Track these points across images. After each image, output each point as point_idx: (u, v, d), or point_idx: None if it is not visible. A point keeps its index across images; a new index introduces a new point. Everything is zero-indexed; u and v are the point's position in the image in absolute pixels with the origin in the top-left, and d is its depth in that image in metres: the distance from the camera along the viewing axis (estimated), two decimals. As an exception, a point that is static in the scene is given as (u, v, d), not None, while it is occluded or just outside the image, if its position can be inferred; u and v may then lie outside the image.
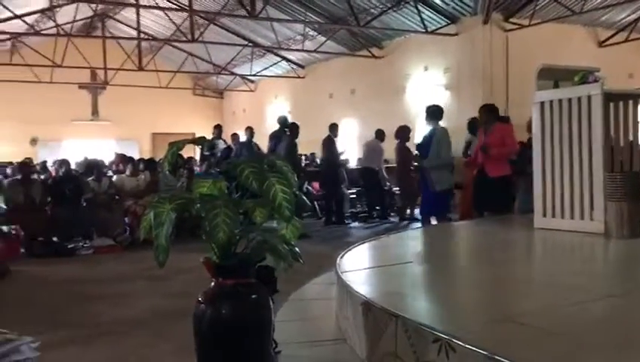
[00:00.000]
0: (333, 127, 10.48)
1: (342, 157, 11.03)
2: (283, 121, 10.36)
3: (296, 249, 2.67)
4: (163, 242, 2.25)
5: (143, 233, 2.58)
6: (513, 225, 5.37)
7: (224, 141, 11.37)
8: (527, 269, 3.30)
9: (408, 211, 10.43)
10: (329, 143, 10.31)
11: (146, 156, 17.90)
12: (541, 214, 4.61)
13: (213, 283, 2.61)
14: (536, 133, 4.68)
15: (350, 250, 3.59)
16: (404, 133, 9.95)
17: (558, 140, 4.50)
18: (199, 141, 2.88)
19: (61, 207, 8.20)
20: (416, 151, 8.10)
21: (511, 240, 4.35)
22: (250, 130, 11.11)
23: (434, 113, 7.28)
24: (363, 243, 3.90)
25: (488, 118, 6.75)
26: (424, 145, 7.31)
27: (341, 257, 3.33)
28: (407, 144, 9.93)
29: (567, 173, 4.44)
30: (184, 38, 14.07)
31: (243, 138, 11.90)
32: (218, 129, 11.29)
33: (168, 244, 2.28)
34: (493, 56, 11.47)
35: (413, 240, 4.59)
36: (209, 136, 11.81)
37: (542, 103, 4.63)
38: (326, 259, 5.75)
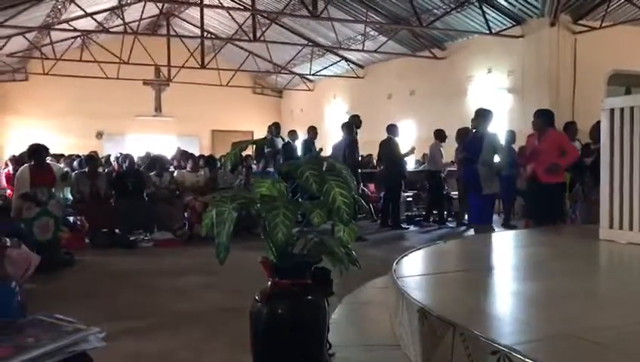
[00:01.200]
0: (393, 128, 10.18)
1: (409, 158, 10.82)
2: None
3: (353, 252, 2.66)
4: (224, 240, 2.28)
5: (204, 230, 2.63)
6: (576, 235, 5.18)
7: (282, 138, 11.42)
8: (591, 283, 3.17)
9: (466, 216, 10.23)
10: (390, 145, 10.06)
11: (206, 152, 18.34)
12: (607, 226, 4.42)
13: (269, 283, 2.64)
14: (605, 141, 4.49)
15: (406, 255, 3.55)
16: (466, 136, 9.72)
17: (628, 149, 4.30)
18: (260, 142, 2.90)
19: (124, 199, 8.47)
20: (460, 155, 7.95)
21: (574, 252, 4.19)
22: (313, 130, 11.05)
23: (485, 116, 7.07)
24: (419, 248, 3.84)
25: (543, 124, 6.56)
26: (472, 148, 7.14)
27: (397, 262, 3.30)
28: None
29: (637, 184, 4.25)
30: (246, 37, 14.28)
31: (302, 137, 11.89)
32: (276, 127, 11.31)
33: (229, 242, 2.31)
34: (560, 59, 11.11)
35: (470, 247, 4.49)
36: (264, 134, 11.92)
37: (612, 110, 4.44)
38: (380, 262, 5.71)
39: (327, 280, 2.73)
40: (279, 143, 10.94)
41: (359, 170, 9.73)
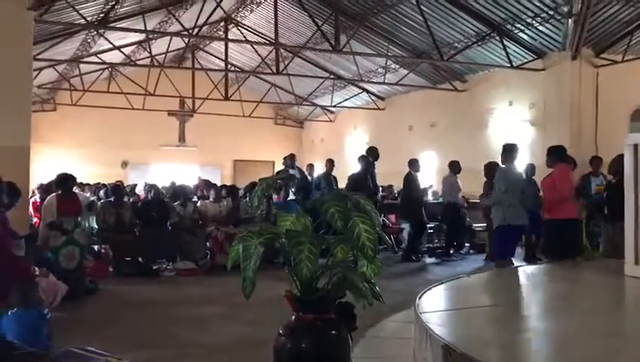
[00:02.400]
0: (414, 163, 10.33)
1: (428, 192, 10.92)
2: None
3: (377, 287, 2.68)
4: (250, 274, 2.33)
5: (229, 263, 2.68)
6: (601, 271, 5.12)
7: (299, 170, 11.50)
8: (617, 321, 3.14)
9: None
10: (410, 179, 10.18)
11: (227, 182, 18.49)
12: (632, 262, 4.38)
13: (293, 317, 2.66)
14: (629, 176, 4.48)
15: (429, 289, 3.55)
16: (493, 170, 9.66)
17: (653, 185, 4.28)
18: (285, 178, 2.96)
19: (148, 229, 8.58)
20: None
21: (600, 288, 4.15)
22: (330, 163, 11.15)
23: (509, 151, 7.09)
24: (442, 282, 3.85)
25: (554, 161, 6.64)
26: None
27: (420, 297, 3.30)
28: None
29: (662, 220, 4.21)
30: (269, 70, 14.53)
31: (320, 169, 12.01)
32: (290, 159, 11.38)
33: (255, 277, 2.35)
34: (582, 92, 11.09)
35: (494, 281, 4.47)
36: (280, 165, 12.06)
37: (636, 146, 4.44)
38: (402, 295, 5.70)
39: (350, 315, 2.75)
40: (296, 174, 11.05)
41: (377, 202, 9.85)
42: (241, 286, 2.46)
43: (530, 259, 9.30)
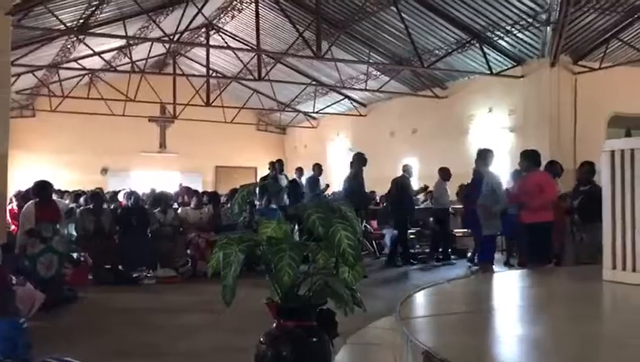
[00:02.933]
0: (408, 168, 10.47)
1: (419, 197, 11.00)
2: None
3: (358, 294, 2.68)
4: (230, 282, 2.31)
5: (210, 271, 2.66)
6: (579, 276, 5.18)
7: (286, 176, 11.48)
8: (596, 327, 3.17)
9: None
10: (404, 184, 10.24)
11: (209, 188, 18.41)
12: (610, 267, 4.43)
13: (275, 324, 2.65)
14: (606, 182, 4.53)
15: (411, 295, 3.56)
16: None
17: (629, 190, 4.34)
18: (269, 185, 2.95)
19: (128, 236, 8.50)
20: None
21: (579, 294, 4.19)
22: (318, 168, 11.14)
23: (483, 156, 7.16)
24: (423, 288, 3.86)
25: (527, 164, 6.74)
26: (472, 190, 7.28)
27: (401, 303, 3.31)
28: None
29: (639, 224, 4.27)
30: (251, 76, 14.51)
31: (307, 173, 11.93)
32: (279, 164, 11.36)
33: (235, 284, 2.34)
34: (560, 99, 11.25)
35: (474, 287, 4.50)
36: (267, 170, 11.97)
37: (612, 152, 4.49)
38: (383, 301, 5.71)
39: (332, 322, 2.75)
40: (283, 180, 11.01)
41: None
42: (221, 293, 2.45)
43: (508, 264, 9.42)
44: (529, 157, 6.79)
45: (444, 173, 10.62)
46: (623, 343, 2.72)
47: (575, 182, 7.82)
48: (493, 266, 7.41)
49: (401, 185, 10.15)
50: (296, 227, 2.79)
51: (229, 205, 9.76)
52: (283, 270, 2.34)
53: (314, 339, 2.57)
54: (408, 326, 2.82)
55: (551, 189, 6.64)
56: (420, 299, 3.58)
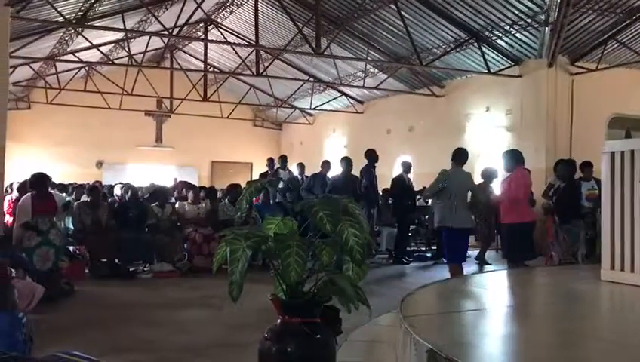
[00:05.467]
0: (406, 165, 10.44)
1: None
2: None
3: (363, 291, 2.70)
4: (238, 278, 2.32)
5: (215, 266, 2.67)
6: (578, 276, 5.22)
7: (289, 171, 11.42)
8: (596, 325, 3.20)
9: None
10: (401, 182, 10.26)
11: (205, 183, 18.36)
12: (609, 267, 4.46)
13: (279, 320, 2.66)
14: (606, 183, 4.57)
15: (412, 293, 3.57)
16: (489, 174, 9.68)
17: (629, 191, 4.37)
18: (272, 182, 2.95)
19: (125, 230, 8.47)
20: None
21: (578, 293, 4.22)
22: (327, 164, 11.09)
23: (455, 156, 6.95)
24: (425, 286, 3.87)
25: (510, 164, 6.70)
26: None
27: (403, 300, 3.32)
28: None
29: (638, 226, 4.30)
30: (248, 72, 14.48)
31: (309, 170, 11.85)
32: (283, 160, 11.27)
33: (243, 280, 2.34)
34: (557, 99, 11.29)
35: (476, 285, 4.51)
36: (263, 165, 11.94)
37: (612, 153, 4.52)
38: (384, 298, 5.72)
39: (336, 319, 2.76)
40: (284, 176, 10.98)
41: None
42: (227, 289, 2.45)
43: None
44: (510, 157, 6.73)
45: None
46: (623, 342, 2.75)
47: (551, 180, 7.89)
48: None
49: (401, 183, 10.19)
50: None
51: (226, 200, 9.73)
52: (290, 266, 2.35)
53: (318, 336, 2.58)
54: (411, 324, 2.84)
55: (518, 188, 6.51)
56: (423, 295, 3.60)
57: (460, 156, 6.87)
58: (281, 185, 10.38)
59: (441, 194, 6.59)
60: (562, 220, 7.24)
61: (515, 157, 6.74)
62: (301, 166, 11.85)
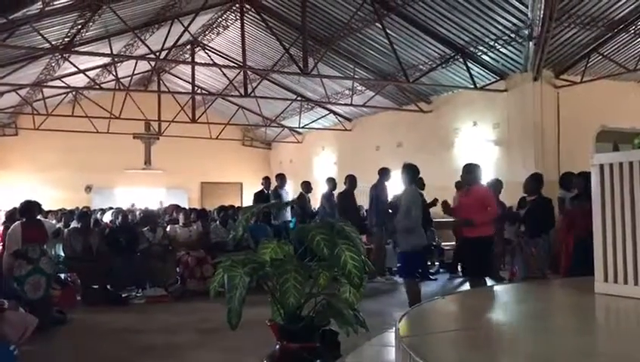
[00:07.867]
0: (384, 172, 10.43)
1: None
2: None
3: (361, 314, 2.69)
4: (236, 306, 2.31)
5: (212, 292, 2.65)
6: (570, 289, 5.22)
7: (286, 191, 11.32)
8: (593, 340, 3.20)
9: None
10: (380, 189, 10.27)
11: (195, 204, 18.31)
12: (602, 279, 4.48)
13: (277, 346, 2.64)
14: (596, 196, 4.60)
15: (409, 312, 3.57)
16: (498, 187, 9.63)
17: (619, 203, 4.41)
18: (272, 206, 2.96)
19: (117, 256, 8.41)
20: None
21: (573, 307, 4.23)
22: (332, 182, 10.93)
23: (407, 172, 6.93)
24: (420, 304, 3.86)
25: (468, 179, 6.70)
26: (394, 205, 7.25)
27: (400, 320, 3.31)
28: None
29: (629, 237, 4.33)
30: (236, 93, 14.53)
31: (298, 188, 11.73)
32: (281, 179, 11.02)
33: (241, 308, 2.33)
34: (544, 112, 11.40)
35: (471, 302, 4.51)
36: (257, 186, 11.83)
37: (601, 166, 4.56)
38: (377, 317, 5.71)
39: (334, 342, 2.75)
40: (285, 196, 10.94)
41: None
42: (223, 313, 2.43)
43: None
44: (469, 173, 6.69)
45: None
46: (627, 357, 2.75)
47: (523, 193, 7.92)
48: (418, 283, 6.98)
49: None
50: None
51: (217, 222, 9.70)
52: (289, 292, 2.34)
53: (317, 361, 2.57)
54: (409, 344, 2.82)
55: (494, 205, 6.67)
56: (419, 314, 3.59)
57: (415, 173, 7.00)
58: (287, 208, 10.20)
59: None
60: (532, 234, 7.22)
61: (477, 172, 6.72)
62: (306, 184, 11.49)
